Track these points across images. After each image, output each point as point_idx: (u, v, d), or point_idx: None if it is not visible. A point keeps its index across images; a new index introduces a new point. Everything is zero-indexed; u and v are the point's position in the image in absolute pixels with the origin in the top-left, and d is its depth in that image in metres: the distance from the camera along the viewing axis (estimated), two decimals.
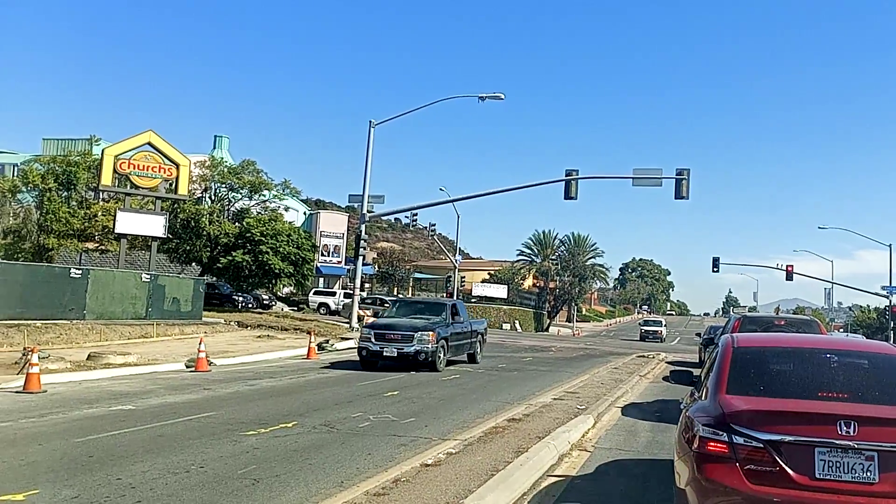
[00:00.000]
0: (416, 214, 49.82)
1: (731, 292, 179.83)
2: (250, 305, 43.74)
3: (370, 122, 31.44)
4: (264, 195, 41.06)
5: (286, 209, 43.22)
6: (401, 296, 69.23)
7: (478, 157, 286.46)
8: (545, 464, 8.13)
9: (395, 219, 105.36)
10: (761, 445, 4.75)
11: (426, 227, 57.97)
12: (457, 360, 21.43)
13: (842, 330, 71.59)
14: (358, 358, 19.43)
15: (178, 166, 32.30)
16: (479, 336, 22.85)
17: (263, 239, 37.09)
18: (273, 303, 46.91)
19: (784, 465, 4.69)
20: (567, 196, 31.60)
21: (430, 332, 18.79)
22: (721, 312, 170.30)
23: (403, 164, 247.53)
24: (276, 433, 9.65)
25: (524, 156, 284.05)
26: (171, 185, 32.80)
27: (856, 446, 4.64)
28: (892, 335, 56.00)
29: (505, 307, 65.50)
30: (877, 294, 60.28)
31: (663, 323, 69.91)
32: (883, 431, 4.70)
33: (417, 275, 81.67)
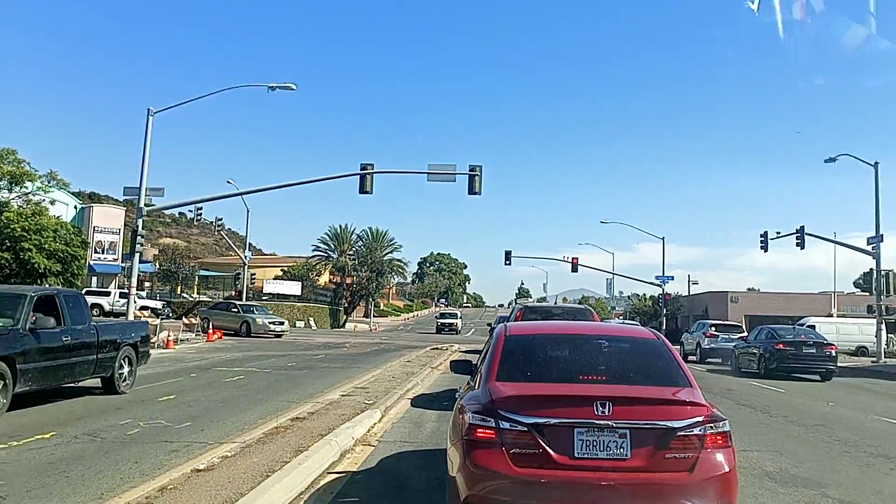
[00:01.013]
0: (200, 209, 47.30)
1: (523, 284, 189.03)
2: None
3: (149, 109, 29.45)
4: (27, 187, 37.10)
5: (52, 202, 39.22)
6: (185, 295, 65.95)
7: (270, 149, 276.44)
8: (326, 461, 7.95)
9: (180, 213, 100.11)
10: (525, 429, 4.88)
11: (213, 222, 55.45)
12: (78, 388, 13.77)
13: (621, 317, 77.87)
14: None
15: None
16: (128, 348, 14.30)
17: (25, 235, 33.46)
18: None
19: (546, 447, 4.85)
20: (362, 190, 31.51)
21: None
22: (514, 304, 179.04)
23: (188, 155, 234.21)
24: (29, 445, 8.67)
25: (320, 148, 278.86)
26: None
27: (612, 425, 4.89)
28: (664, 321, 61.89)
29: (299, 304, 64.25)
30: (652, 283, 66.06)
31: (459, 315, 72.36)
32: (634, 410, 5.00)
33: (203, 272, 78.11)
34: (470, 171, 31.26)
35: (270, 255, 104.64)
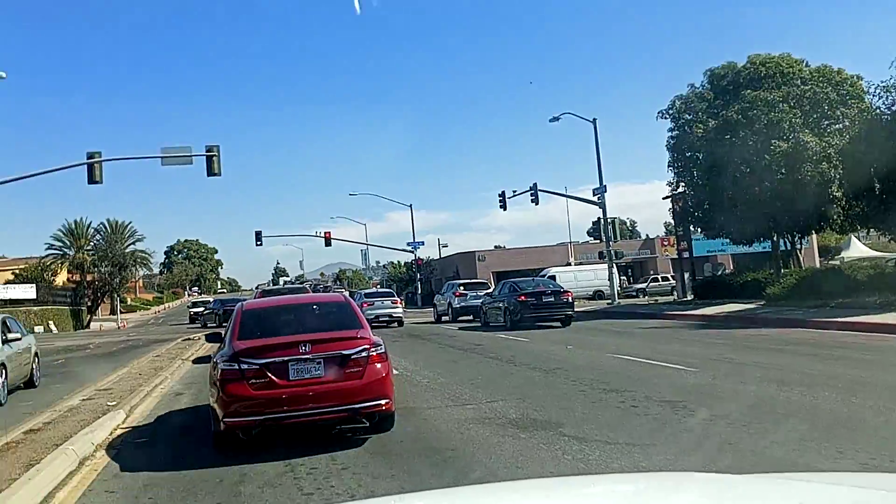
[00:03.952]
0: None
1: (279, 263, 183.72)
2: None
3: None
4: None
5: None
6: None
7: None
8: (62, 472, 7.67)
9: None
10: (259, 367, 7.79)
11: None
12: None
13: (378, 286, 79.73)
14: None
15: None
16: None
17: None
18: None
19: (272, 377, 7.79)
20: (91, 181, 29.37)
21: None
22: (271, 283, 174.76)
23: None
24: None
25: (41, 139, 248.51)
26: None
27: (311, 357, 7.92)
28: (419, 285, 64.17)
29: (35, 308, 58.25)
30: (405, 250, 68.11)
31: (211, 301, 69.90)
32: (325, 346, 8.06)
33: None
34: (207, 151, 30.28)
35: None
